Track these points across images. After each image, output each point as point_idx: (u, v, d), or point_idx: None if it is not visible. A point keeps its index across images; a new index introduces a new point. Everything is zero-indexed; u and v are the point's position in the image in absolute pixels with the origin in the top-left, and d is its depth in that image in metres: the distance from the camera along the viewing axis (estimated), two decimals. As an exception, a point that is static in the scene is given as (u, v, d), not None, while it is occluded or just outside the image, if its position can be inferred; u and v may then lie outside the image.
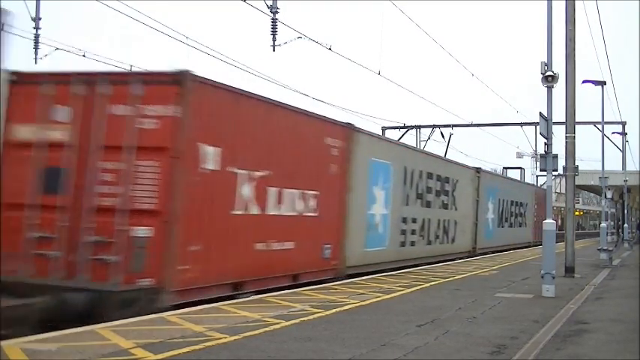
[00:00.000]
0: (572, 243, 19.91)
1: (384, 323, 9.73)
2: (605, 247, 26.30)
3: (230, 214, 11.94)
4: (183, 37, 18.07)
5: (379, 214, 18.18)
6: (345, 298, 12.39)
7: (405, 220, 20.09)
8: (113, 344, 7.65)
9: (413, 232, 20.83)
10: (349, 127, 16.38)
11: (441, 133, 43.19)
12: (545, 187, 21.68)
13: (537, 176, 51.62)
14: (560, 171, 19.67)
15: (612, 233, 45.69)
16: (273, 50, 17.98)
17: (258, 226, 12.75)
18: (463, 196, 25.83)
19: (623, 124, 42.21)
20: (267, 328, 8.94)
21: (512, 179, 41.90)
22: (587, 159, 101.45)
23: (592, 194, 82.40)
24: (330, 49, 21.01)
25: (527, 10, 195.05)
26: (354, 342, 8.23)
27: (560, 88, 16.82)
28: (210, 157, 11.36)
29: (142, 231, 10.38)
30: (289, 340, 8.27)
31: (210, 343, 7.86)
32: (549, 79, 14.21)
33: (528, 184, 43.17)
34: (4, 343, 7.21)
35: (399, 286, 14.54)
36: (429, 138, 43.27)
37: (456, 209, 24.97)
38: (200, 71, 11.00)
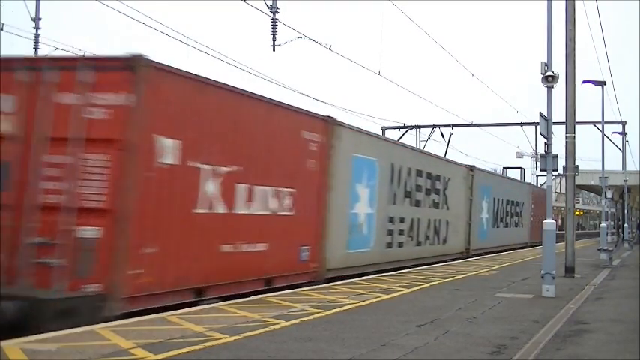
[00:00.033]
0: (572, 243, 19.86)
1: (384, 323, 9.73)
2: (605, 247, 26.12)
3: (192, 213, 10.96)
4: (183, 37, 17.92)
5: (363, 214, 17.19)
6: (345, 298, 12.34)
7: (392, 220, 19.10)
8: (113, 344, 7.65)
9: (401, 232, 19.83)
10: (329, 120, 15.39)
11: (441, 133, 43.34)
12: (544, 187, 21.62)
13: (537, 176, 52.14)
14: (560, 171, 19.65)
15: (612, 233, 45.84)
16: (273, 50, 18.21)
17: (225, 226, 11.77)
18: (455, 194, 24.82)
19: (623, 124, 42.34)
20: (267, 328, 8.94)
21: (507, 178, 41.19)
22: (587, 159, 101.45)
23: (592, 194, 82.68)
24: (330, 49, 21.00)
25: (527, 10, 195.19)
26: (354, 342, 8.24)
27: (560, 88, 16.95)
28: (169, 150, 10.38)
29: (89, 231, 9.46)
30: (289, 340, 8.28)
31: (210, 343, 7.86)
32: (549, 79, 14.18)
33: (525, 183, 42.29)
34: (4, 343, 7.24)
35: (399, 286, 14.49)
36: (429, 138, 43.46)
37: (447, 209, 23.97)
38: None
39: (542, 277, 13.79)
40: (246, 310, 10.39)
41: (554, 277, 13.80)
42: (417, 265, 20.35)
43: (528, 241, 37.32)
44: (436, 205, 22.90)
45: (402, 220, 19.82)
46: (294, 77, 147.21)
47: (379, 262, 18.24)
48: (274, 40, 18.03)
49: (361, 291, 13.42)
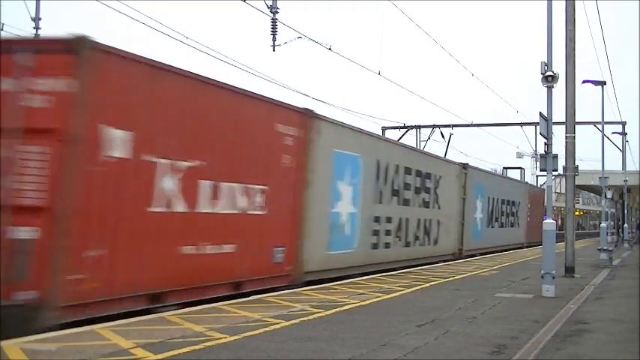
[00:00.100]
0: (572, 243, 19.78)
1: (384, 323, 9.69)
2: (605, 247, 25.91)
3: (146, 211, 9.96)
4: (183, 37, 17.36)
5: (345, 213, 16.18)
6: (345, 298, 12.30)
7: (377, 220, 18.09)
8: (113, 344, 7.62)
9: (387, 232, 18.82)
10: (307, 113, 14.37)
11: (441, 133, 43.10)
12: (544, 186, 21.64)
13: (537, 176, 52.41)
14: (560, 171, 19.62)
15: (612, 233, 46.01)
16: (273, 50, 18.31)
17: (186, 226, 10.77)
18: (447, 193, 23.80)
19: (623, 124, 42.59)
20: (267, 328, 8.91)
21: (503, 176, 40.34)
22: (587, 159, 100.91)
23: (592, 194, 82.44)
24: (330, 49, 20.85)
25: (527, 10, 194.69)
26: (354, 342, 8.22)
27: (560, 88, 16.93)
28: (118, 142, 9.39)
29: (24, 232, 8.48)
30: (289, 340, 8.26)
31: (210, 343, 7.83)
32: (549, 79, 14.16)
33: (521, 182, 41.34)
34: (4, 343, 7.21)
35: (399, 286, 14.46)
36: (429, 138, 43.27)
37: (439, 208, 22.96)
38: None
39: (542, 277, 13.79)
40: (246, 310, 10.39)
41: (554, 277, 13.81)
42: (407, 267, 19.38)
43: (525, 241, 36.37)
44: (426, 205, 21.89)
45: (388, 220, 18.81)
46: (294, 77, 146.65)
47: (364, 263, 17.23)
48: (274, 40, 18.13)
49: (361, 291, 13.37)
